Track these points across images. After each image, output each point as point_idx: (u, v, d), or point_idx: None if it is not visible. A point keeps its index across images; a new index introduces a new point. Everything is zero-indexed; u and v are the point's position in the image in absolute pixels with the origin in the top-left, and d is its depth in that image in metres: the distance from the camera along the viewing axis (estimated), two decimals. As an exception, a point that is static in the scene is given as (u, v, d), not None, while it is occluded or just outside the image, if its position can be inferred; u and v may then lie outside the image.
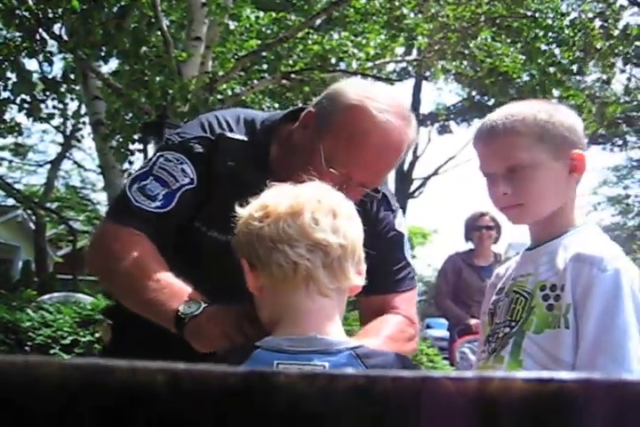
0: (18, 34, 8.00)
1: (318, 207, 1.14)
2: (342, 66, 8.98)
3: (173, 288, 1.37)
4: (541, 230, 1.44)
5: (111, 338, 1.71)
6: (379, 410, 0.25)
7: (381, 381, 0.25)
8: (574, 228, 1.41)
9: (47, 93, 8.39)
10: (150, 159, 1.56)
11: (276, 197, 1.17)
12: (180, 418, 0.25)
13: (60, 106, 9.39)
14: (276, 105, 9.81)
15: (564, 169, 1.38)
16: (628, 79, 13.51)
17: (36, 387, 0.25)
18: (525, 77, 10.17)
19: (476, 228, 4.91)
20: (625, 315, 1.25)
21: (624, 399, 0.25)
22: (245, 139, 1.57)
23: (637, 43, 8.89)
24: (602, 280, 1.27)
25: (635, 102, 17.25)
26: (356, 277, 1.16)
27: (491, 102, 15.45)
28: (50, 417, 0.25)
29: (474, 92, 15.82)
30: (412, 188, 21.28)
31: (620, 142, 22.57)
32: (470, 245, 5.02)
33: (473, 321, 4.61)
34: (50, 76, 8.69)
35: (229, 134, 1.56)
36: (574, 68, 9.55)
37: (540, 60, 9.54)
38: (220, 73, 8.04)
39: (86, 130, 12.74)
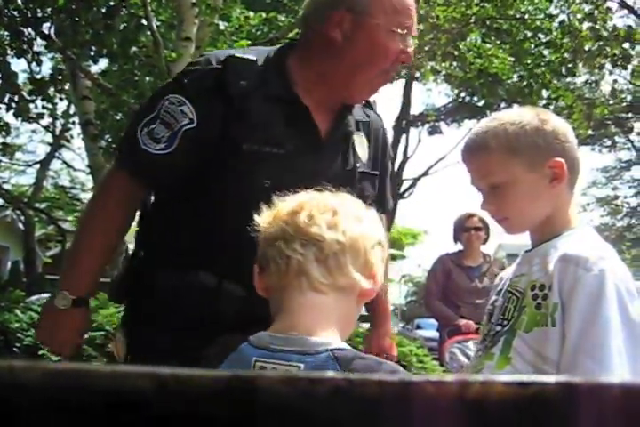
0: (6, 33, 7.95)
1: (317, 205, 1.16)
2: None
3: (78, 271, 1.68)
4: (538, 233, 1.47)
5: (127, 356, 1.72)
6: (360, 413, 0.25)
7: (363, 384, 0.25)
8: (569, 229, 1.43)
9: (36, 93, 8.35)
10: (156, 103, 1.65)
11: (287, 202, 1.20)
12: (164, 422, 0.25)
13: (49, 106, 9.33)
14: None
15: (543, 179, 1.41)
16: (615, 81, 13.61)
17: (21, 392, 0.25)
18: (515, 78, 10.22)
19: (465, 229, 4.93)
20: (607, 314, 1.27)
21: (605, 402, 0.25)
22: (255, 58, 1.65)
23: (625, 45, 8.95)
24: (586, 280, 1.29)
25: (623, 104, 17.35)
26: (362, 279, 1.14)
27: (481, 103, 15.49)
28: (34, 423, 0.25)
29: (463, 93, 15.87)
30: (402, 188, 21.29)
31: (609, 143, 22.68)
32: (459, 246, 5.04)
33: (462, 322, 4.63)
34: (38, 76, 8.64)
35: (238, 54, 1.65)
36: (563, 69, 9.59)
37: (528, 62, 9.59)
38: (210, 73, 8.00)
39: (75, 130, 12.73)
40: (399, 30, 1.62)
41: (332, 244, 1.12)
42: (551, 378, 0.25)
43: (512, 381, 0.25)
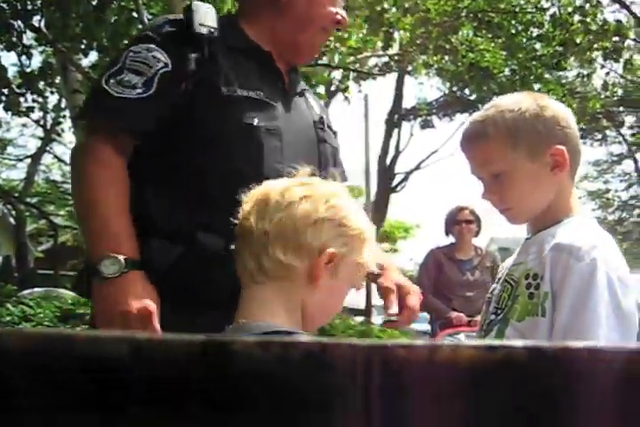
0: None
1: (255, 198, 1.19)
2: (324, 60, 8.98)
3: (112, 229, 1.41)
4: (537, 221, 1.44)
5: None
6: (331, 376, 0.26)
7: (335, 348, 0.26)
8: (567, 218, 1.41)
9: (26, 87, 8.30)
10: (118, 57, 1.56)
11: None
12: (141, 385, 0.26)
13: (40, 99, 9.29)
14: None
15: (545, 167, 1.38)
16: (607, 74, 13.63)
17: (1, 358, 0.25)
18: (507, 72, 10.22)
19: (456, 222, 4.95)
20: (596, 303, 1.26)
21: (572, 366, 0.26)
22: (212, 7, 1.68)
23: (615, 38, 8.96)
24: (577, 269, 1.28)
25: (615, 97, 17.37)
26: (296, 262, 1.14)
27: (473, 97, 15.50)
28: (13, 388, 0.26)
29: (455, 87, 15.87)
30: (395, 182, 21.30)
31: (600, 137, 22.74)
32: (451, 240, 5.05)
33: (454, 314, 4.65)
34: (28, 70, 8.59)
35: (200, 3, 1.66)
36: (554, 63, 9.60)
37: (520, 55, 9.59)
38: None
39: (67, 124, 12.63)
40: None
41: (259, 235, 1.15)
42: (519, 342, 0.26)
43: (481, 345, 0.26)
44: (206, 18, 1.61)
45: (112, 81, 1.50)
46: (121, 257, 1.37)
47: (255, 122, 1.54)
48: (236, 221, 1.19)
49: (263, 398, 0.26)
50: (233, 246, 1.32)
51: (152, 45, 1.55)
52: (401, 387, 0.26)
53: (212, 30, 1.60)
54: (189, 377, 0.26)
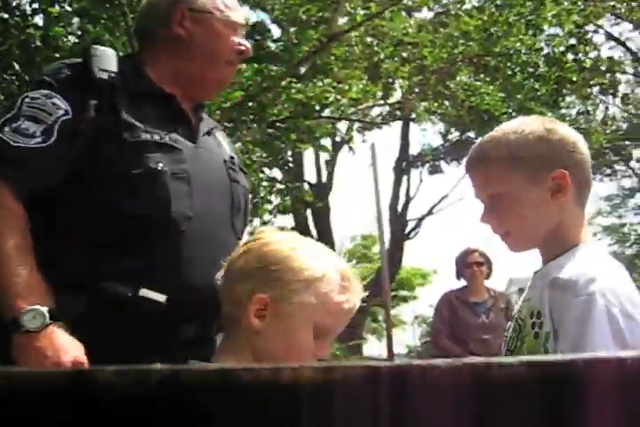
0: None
1: None
2: (326, 112, 9.12)
3: (28, 281, 1.34)
4: (545, 251, 1.40)
5: None
6: (184, 399, 0.28)
7: (185, 373, 0.29)
8: (573, 248, 1.35)
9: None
10: (14, 104, 1.50)
11: None
12: (13, 415, 0.29)
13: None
14: (264, 154, 9.87)
15: (546, 191, 1.34)
16: (606, 109, 13.70)
17: None
18: (509, 113, 10.30)
19: (467, 264, 4.94)
20: (595, 341, 1.20)
21: (460, 382, 0.28)
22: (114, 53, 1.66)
23: (609, 74, 9.09)
24: (574, 306, 1.23)
25: (619, 132, 17.41)
26: (232, 311, 1.27)
27: (478, 140, 15.56)
28: None
29: (458, 132, 15.99)
30: (408, 229, 21.24)
31: (609, 172, 22.66)
32: (463, 283, 5.03)
33: (470, 358, 4.59)
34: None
35: (100, 47, 1.65)
36: (552, 101, 9.70)
37: (518, 96, 9.69)
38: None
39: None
40: (234, 24, 1.73)
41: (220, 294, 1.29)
42: (356, 363, 0.28)
43: (321, 366, 0.28)
44: (106, 62, 1.58)
45: (7, 129, 1.44)
46: (43, 309, 1.31)
47: (160, 166, 1.49)
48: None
49: (127, 422, 0.28)
50: (142, 293, 1.39)
51: (50, 92, 1.49)
52: (245, 409, 0.29)
53: (113, 75, 1.56)
54: (58, 405, 0.29)
